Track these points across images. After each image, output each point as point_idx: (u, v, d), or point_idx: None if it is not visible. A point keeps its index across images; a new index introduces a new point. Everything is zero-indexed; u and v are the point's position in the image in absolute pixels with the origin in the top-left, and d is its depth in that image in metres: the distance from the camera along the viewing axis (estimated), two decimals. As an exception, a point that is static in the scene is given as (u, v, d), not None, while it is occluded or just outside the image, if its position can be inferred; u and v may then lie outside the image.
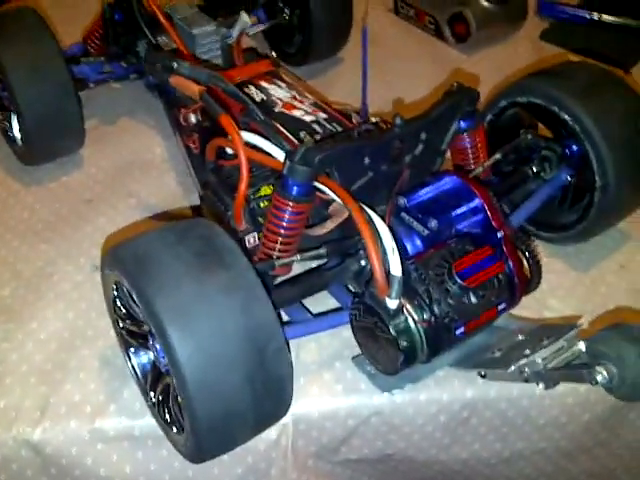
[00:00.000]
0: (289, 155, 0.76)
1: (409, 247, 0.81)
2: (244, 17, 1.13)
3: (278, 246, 0.80)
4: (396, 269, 0.71)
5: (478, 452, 0.89)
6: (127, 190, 1.09)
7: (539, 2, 1.48)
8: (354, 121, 0.99)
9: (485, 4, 1.36)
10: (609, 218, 0.92)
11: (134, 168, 1.13)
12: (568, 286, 0.95)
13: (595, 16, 1.43)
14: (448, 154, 0.92)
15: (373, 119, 0.96)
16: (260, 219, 0.86)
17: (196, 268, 0.67)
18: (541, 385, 0.71)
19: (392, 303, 0.71)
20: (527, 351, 0.73)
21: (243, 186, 0.83)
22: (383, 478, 0.93)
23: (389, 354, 0.74)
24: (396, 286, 0.71)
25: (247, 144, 0.83)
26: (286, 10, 1.27)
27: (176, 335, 0.63)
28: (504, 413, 0.86)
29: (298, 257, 0.80)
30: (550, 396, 0.85)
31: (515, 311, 0.89)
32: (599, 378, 0.63)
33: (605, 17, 1.43)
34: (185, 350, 0.63)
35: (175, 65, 0.86)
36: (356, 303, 0.77)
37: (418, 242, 0.80)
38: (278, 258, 0.80)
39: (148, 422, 0.80)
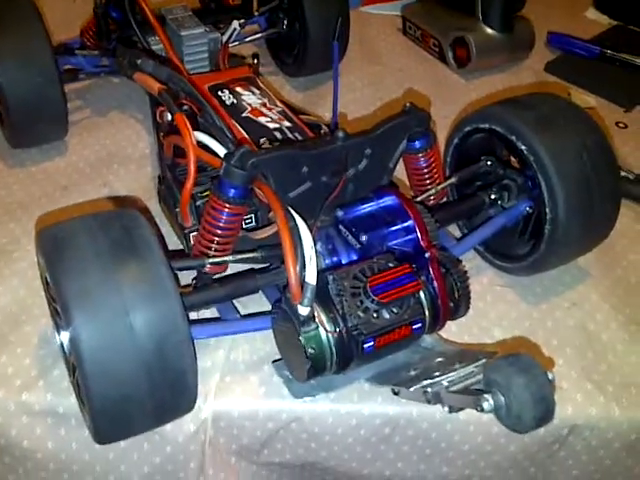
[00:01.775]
0: (226, 157, 0.78)
1: (343, 259, 0.82)
2: (234, 24, 1.16)
3: (213, 245, 0.82)
4: (310, 277, 0.72)
5: (402, 471, 0.89)
6: (102, 180, 1.12)
7: (548, 33, 1.47)
8: (322, 132, 1.01)
9: (489, 31, 1.36)
10: (559, 252, 0.91)
11: (114, 160, 1.16)
12: (515, 317, 0.94)
13: (605, 51, 1.42)
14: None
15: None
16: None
17: (109, 256, 0.69)
18: (445, 408, 0.71)
19: (303, 310, 0.72)
20: (436, 372, 0.73)
21: (189, 184, 0.85)
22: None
23: (299, 361, 0.74)
24: (308, 294, 0.72)
25: (199, 144, 0.86)
26: (285, 21, 1.29)
27: (77, 315, 0.66)
28: (427, 434, 0.85)
29: (231, 257, 0.82)
30: (475, 423, 0.84)
31: (457, 336, 0.89)
32: (485, 405, 0.63)
33: (614, 53, 1.41)
34: (84, 331, 0.66)
35: (139, 62, 0.89)
36: (275, 307, 0.78)
37: (352, 255, 0.82)
38: (212, 257, 0.82)
39: (73, 401, 0.82)
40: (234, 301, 0.88)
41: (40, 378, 0.85)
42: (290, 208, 0.77)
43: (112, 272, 0.68)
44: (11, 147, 1.15)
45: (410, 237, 0.80)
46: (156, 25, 1.12)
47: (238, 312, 0.87)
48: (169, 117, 1.02)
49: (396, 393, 0.77)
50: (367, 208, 0.83)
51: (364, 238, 0.79)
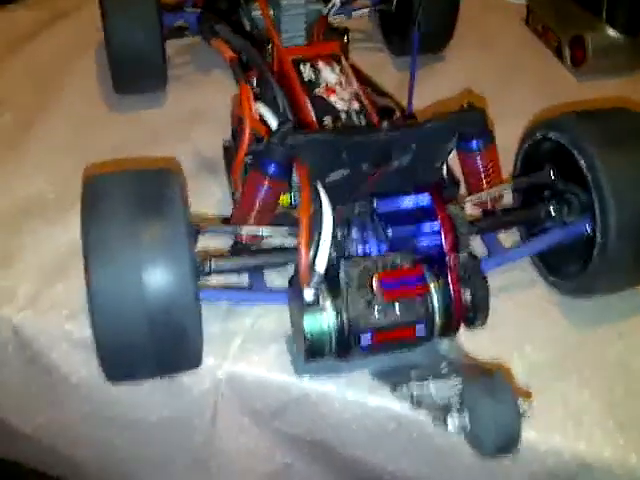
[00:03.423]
0: (269, 135, 0.80)
1: (372, 249, 0.82)
2: (336, -1, 1.17)
3: (249, 217, 0.84)
4: (320, 264, 0.73)
5: (404, 469, 0.89)
6: (188, 135, 1.18)
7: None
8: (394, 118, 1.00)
9: (611, 32, 1.27)
10: (606, 279, 0.86)
11: (203, 118, 1.21)
12: (552, 337, 0.90)
13: None
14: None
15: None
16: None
17: (135, 211, 0.74)
18: (430, 417, 0.71)
19: (307, 293, 0.74)
20: (429, 377, 0.73)
21: (241, 152, 0.88)
22: (323, 464, 0.96)
23: (301, 341, 0.76)
24: (315, 279, 0.73)
25: (260, 117, 0.89)
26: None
27: (93, 261, 0.71)
28: (430, 439, 0.85)
29: (265, 230, 0.84)
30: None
31: (486, 346, 0.87)
32: (449, 425, 0.62)
33: None
34: (96, 276, 0.71)
35: (217, 27, 0.92)
36: (289, 284, 0.80)
37: (382, 247, 0.81)
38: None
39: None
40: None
41: (84, 312, 0.93)
42: (322, 191, 0.78)
43: (133, 226, 0.73)
44: (115, 92, 1.23)
45: (436, 240, 0.79)
46: (259, -4, 1.14)
47: (265, 284, 0.89)
48: (254, 82, 1.06)
49: (392, 391, 0.77)
50: (404, 203, 0.82)
51: (390, 232, 0.79)
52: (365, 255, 0.82)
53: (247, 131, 0.87)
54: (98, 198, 0.76)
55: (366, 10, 1.28)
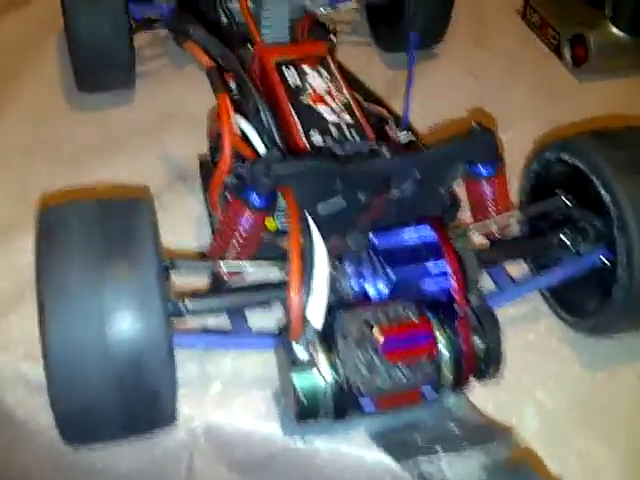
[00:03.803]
0: (253, 162, 0.70)
1: (369, 285, 0.73)
2: (319, -10, 1.05)
3: (229, 249, 0.75)
4: (315, 317, 0.64)
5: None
6: (159, 138, 1.07)
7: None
8: (388, 130, 0.91)
9: (615, 31, 1.18)
10: (628, 320, 0.78)
11: (175, 118, 1.11)
12: (564, 380, 0.82)
13: None
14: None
15: (404, 134, 0.88)
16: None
17: (98, 251, 0.64)
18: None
19: (300, 352, 0.64)
20: (440, 447, 0.64)
21: (220, 171, 0.78)
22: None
23: (292, 399, 0.67)
24: (309, 335, 0.64)
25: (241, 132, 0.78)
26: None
27: (50, 310, 0.61)
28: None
29: (247, 264, 0.75)
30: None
31: (493, 391, 0.78)
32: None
33: None
34: (54, 327, 0.61)
35: (191, 30, 0.81)
36: (279, 333, 0.70)
37: (379, 284, 0.72)
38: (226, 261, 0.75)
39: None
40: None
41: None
42: (313, 224, 0.68)
43: (96, 269, 0.63)
44: (78, 90, 1.11)
45: (444, 282, 0.70)
46: (236, -18, 1.03)
47: (247, 325, 0.79)
48: (232, 85, 0.95)
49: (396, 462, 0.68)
50: (404, 238, 0.73)
51: (393, 277, 0.69)
52: (360, 294, 0.73)
53: (227, 151, 0.77)
54: (55, 233, 0.65)
55: (354, 3, 1.17)
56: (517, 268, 0.88)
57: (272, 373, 0.79)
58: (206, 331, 0.77)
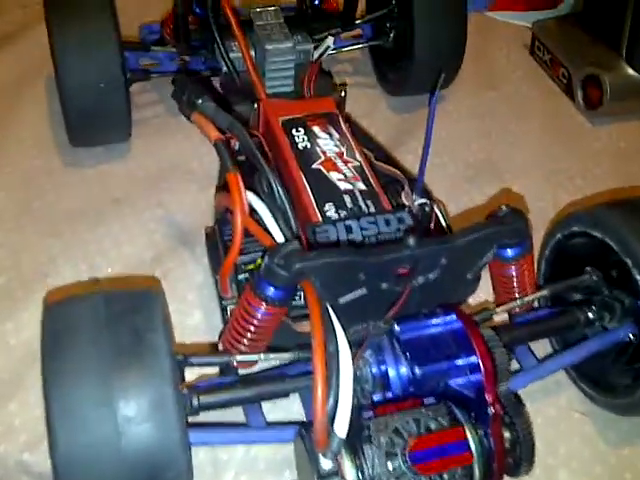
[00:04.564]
0: (269, 253, 0.65)
1: (391, 374, 0.68)
2: (329, 41, 1.01)
3: (243, 341, 0.70)
4: (340, 427, 0.59)
5: None
6: (158, 198, 1.02)
7: None
8: (403, 197, 0.87)
9: (631, 72, 1.14)
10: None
11: (174, 174, 1.06)
12: (588, 458, 0.78)
13: None
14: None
15: (419, 201, 0.84)
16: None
17: (108, 364, 0.59)
18: None
19: (325, 463, 0.60)
20: None
21: (231, 256, 0.74)
22: None
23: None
24: (334, 446, 0.59)
25: (251, 210, 0.74)
26: (392, 33, 1.11)
27: (59, 427, 0.57)
28: None
29: (262, 357, 0.70)
30: None
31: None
32: None
33: None
34: (64, 445, 0.57)
35: (199, 102, 0.76)
36: (299, 432, 0.66)
37: (401, 375, 0.68)
38: (240, 352, 0.71)
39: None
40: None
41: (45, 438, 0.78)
42: (336, 321, 0.64)
43: (107, 383, 0.59)
44: (70, 144, 1.05)
45: (473, 378, 0.65)
46: (238, 33, 0.98)
47: (263, 417, 0.75)
48: (236, 145, 0.90)
49: None
50: (429, 328, 0.68)
51: (418, 372, 0.65)
52: (381, 380, 0.68)
53: (238, 235, 0.72)
54: (62, 335, 0.62)
55: (359, 46, 1.13)
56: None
57: (286, 458, 0.76)
58: (221, 425, 0.73)
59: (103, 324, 0.62)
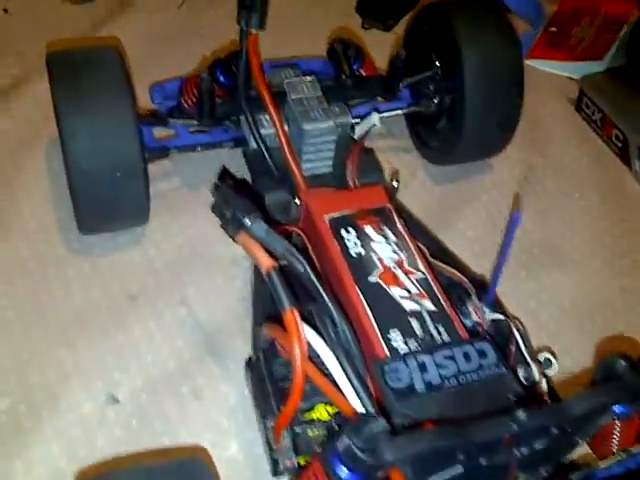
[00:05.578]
0: (348, 429, 0.54)
1: None
2: (374, 118, 0.89)
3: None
4: None
5: None
6: (180, 293, 0.90)
7: None
8: (470, 308, 0.76)
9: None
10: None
11: (197, 262, 0.93)
12: None
13: None
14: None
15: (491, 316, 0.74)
16: (303, 448, 0.66)
17: None
18: None
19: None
20: None
21: (290, 408, 0.62)
22: None
23: None
24: None
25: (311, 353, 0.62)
26: (436, 98, 1.00)
27: None
28: None
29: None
30: None
31: None
32: None
33: None
34: None
35: (248, 222, 0.64)
36: None
37: None
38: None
39: None
40: None
41: None
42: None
43: None
44: (79, 232, 0.92)
45: None
46: (274, 112, 0.86)
47: None
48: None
49: None
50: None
51: None
52: None
53: (298, 380, 0.61)
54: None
55: (397, 112, 1.01)
56: None
57: None
58: None
59: None
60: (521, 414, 0.55)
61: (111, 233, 0.94)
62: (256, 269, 0.81)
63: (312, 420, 0.66)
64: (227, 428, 0.78)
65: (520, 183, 1.07)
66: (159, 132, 0.98)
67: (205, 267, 0.93)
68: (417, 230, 0.86)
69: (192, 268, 0.93)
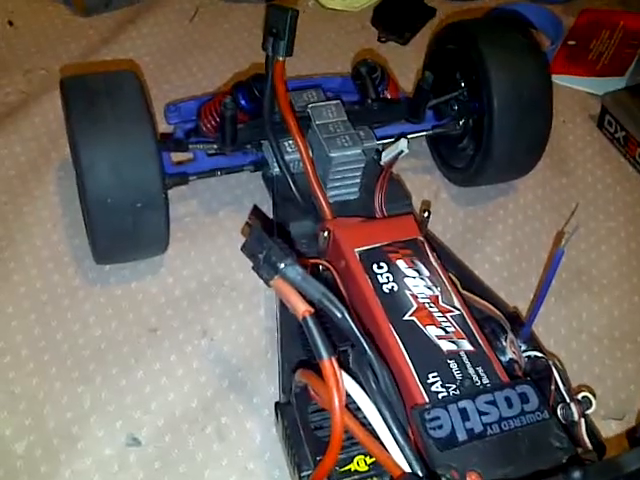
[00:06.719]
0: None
1: None
2: (402, 145, 0.85)
3: None
4: None
5: None
6: (202, 324, 0.87)
7: None
8: (508, 346, 0.74)
9: None
10: None
11: (218, 290, 0.90)
12: None
13: None
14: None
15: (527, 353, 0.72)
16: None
17: None
18: None
19: None
20: None
21: (328, 463, 0.59)
22: None
23: None
24: None
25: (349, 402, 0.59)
26: (460, 120, 0.97)
27: None
28: None
29: None
30: None
31: None
32: None
33: None
34: None
35: (282, 267, 0.61)
36: None
37: None
38: None
39: None
40: None
41: None
42: None
43: None
44: (95, 262, 0.88)
45: None
46: (299, 139, 0.83)
47: None
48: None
49: None
50: None
51: None
52: None
53: (337, 434, 0.58)
54: None
55: (422, 134, 0.98)
56: None
57: None
58: None
59: None
60: (577, 475, 0.52)
61: (127, 262, 0.91)
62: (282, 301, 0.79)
63: (349, 472, 0.64)
64: (253, 471, 0.76)
65: (545, 204, 1.04)
66: (176, 155, 0.96)
67: (226, 295, 0.90)
68: (446, 259, 0.83)
69: (213, 296, 0.90)
